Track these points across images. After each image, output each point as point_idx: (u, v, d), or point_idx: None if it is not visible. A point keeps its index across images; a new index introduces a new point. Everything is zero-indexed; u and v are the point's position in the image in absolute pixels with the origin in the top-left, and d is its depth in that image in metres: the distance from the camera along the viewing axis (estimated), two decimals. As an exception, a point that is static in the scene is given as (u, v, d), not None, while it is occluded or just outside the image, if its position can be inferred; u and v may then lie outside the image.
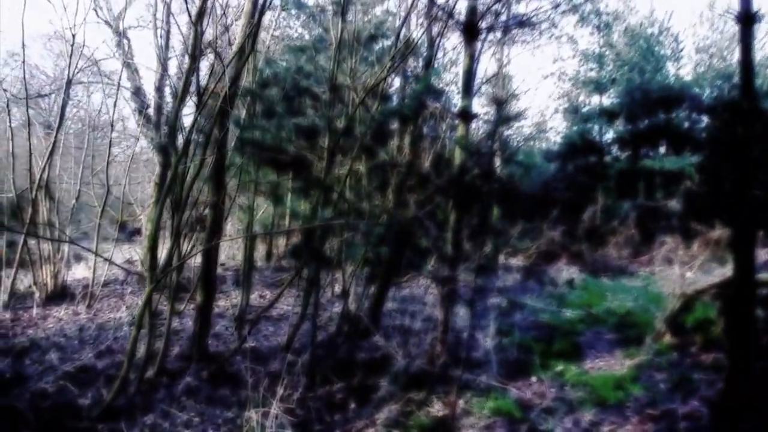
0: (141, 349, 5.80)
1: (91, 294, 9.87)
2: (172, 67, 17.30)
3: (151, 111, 15.51)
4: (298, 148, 7.09)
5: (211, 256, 6.62)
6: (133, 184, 20.34)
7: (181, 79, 5.45)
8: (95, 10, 17.41)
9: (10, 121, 10.03)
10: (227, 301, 10.55)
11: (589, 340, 8.73)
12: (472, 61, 7.81)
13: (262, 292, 11.68)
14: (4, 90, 10.19)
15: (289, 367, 6.72)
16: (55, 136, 10.03)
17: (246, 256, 8.20)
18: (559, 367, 7.03)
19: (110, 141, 10.45)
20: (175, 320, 8.65)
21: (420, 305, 10.61)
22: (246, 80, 7.62)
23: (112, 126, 10.57)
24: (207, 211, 6.94)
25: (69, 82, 9.97)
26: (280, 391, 5.35)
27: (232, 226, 15.77)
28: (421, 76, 8.26)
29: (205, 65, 10.75)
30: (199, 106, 5.25)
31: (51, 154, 9.93)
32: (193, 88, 5.80)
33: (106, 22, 17.84)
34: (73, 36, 9.80)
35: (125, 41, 19.25)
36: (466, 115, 7.52)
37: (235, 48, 5.86)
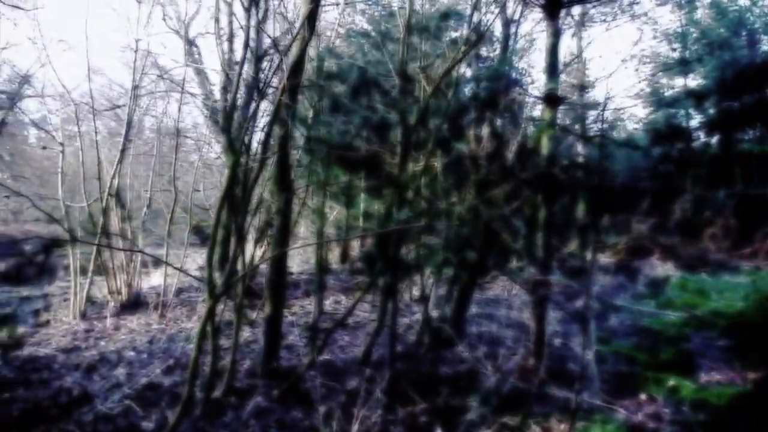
0: (209, 365, 5.41)
1: (163, 303, 9.68)
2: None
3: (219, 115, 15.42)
4: (368, 145, 6.52)
5: (279, 263, 6.15)
6: (208, 190, 20.50)
7: (239, 77, 4.99)
8: (164, 20, 17.60)
9: (79, 130, 9.97)
10: (300, 308, 10.16)
11: (699, 348, 7.73)
12: (557, 38, 7.04)
13: (337, 297, 11.22)
14: (84, 103, 10.16)
15: (367, 383, 6.17)
16: (123, 144, 9.91)
17: (319, 262, 7.70)
18: (671, 382, 6.13)
19: (176, 146, 10.20)
20: (246, 330, 8.30)
21: (503, 309, 9.89)
22: (309, 75, 7.14)
23: (177, 132, 10.36)
24: (275, 214, 6.50)
25: (135, 88, 9.80)
26: (357, 413, 4.80)
27: (305, 229, 15.43)
28: (498, 59, 7.52)
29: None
30: (258, 98, 4.76)
31: (120, 161, 9.82)
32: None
33: (175, 31, 17.98)
34: (137, 41, 9.66)
35: (194, 49, 19.39)
36: (553, 99, 6.75)
37: (295, 33, 5.34)
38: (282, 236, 6.13)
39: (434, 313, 7.92)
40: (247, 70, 7.12)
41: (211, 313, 4.38)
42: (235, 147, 4.64)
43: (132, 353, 7.29)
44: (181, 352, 7.30)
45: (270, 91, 6.58)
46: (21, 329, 10.04)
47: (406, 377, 6.20)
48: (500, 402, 5.24)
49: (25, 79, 26.57)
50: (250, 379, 6.15)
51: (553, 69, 6.92)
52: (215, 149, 23.21)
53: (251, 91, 5.09)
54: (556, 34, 7.04)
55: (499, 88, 6.89)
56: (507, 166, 6.98)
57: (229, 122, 4.74)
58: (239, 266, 5.75)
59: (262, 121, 8.95)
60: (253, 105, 4.86)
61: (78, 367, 6.71)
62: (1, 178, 32.06)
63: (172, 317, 9.56)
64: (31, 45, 10.06)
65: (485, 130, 7.75)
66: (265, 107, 9.62)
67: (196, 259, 14.62)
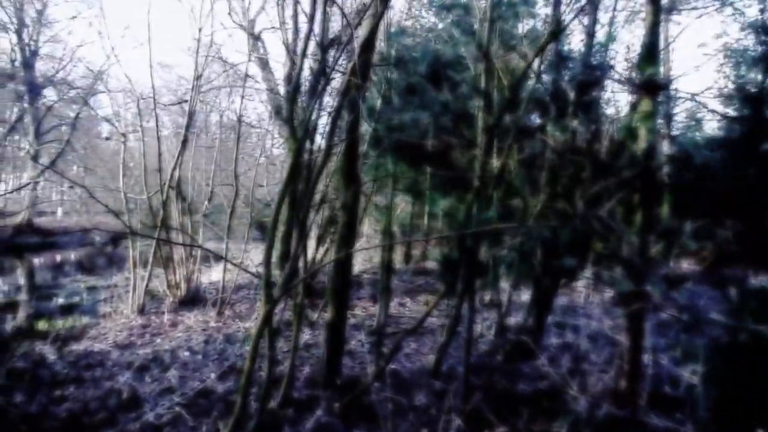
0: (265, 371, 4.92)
1: (222, 300, 9.34)
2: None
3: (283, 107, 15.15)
4: (442, 136, 5.89)
5: (344, 264, 5.60)
6: (271, 185, 20.36)
7: (304, 52, 4.46)
8: (229, 15, 17.45)
9: (141, 121, 9.76)
10: (363, 310, 9.64)
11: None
12: (657, 16, 6.19)
13: (401, 299, 10.64)
14: (150, 97, 9.98)
15: (437, 397, 5.56)
16: (185, 136, 9.63)
17: (384, 262, 7.12)
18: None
19: (237, 139, 9.86)
20: (306, 332, 7.83)
21: (581, 318, 9.08)
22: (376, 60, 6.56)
23: (239, 121, 10.00)
24: (339, 210, 5.97)
25: (198, 78, 9.49)
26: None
27: (368, 227, 14.92)
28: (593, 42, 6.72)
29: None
30: (324, 80, 4.21)
31: (181, 153, 9.54)
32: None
33: (240, 26, 17.84)
34: (199, 29, 9.34)
35: (259, 43, 19.24)
36: (653, 87, 5.92)
37: (366, 6, 4.75)
38: (347, 234, 5.58)
39: (509, 320, 7.23)
40: (313, 49, 6.60)
41: (267, 319, 3.86)
42: (298, 133, 4.12)
43: (186, 353, 6.92)
44: (237, 354, 6.87)
45: (336, 77, 6.05)
46: (85, 320, 9.97)
47: (481, 393, 5.55)
48: (593, 430, 4.51)
49: (98, 76, 27.27)
50: (310, 389, 5.63)
51: (652, 52, 6.09)
52: (279, 144, 23.14)
53: (317, 76, 4.54)
54: (656, 12, 6.21)
55: (594, 73, 6.10)
56: (600, 161, 6.22)
57: (292, 105, 4.22)
58: (300, 266, 5.23)
59: (327, 109, 8.50)
60: (320, 87, 4.29)
61: (131, 366, 6.38)
62: (75, 171, 33.15)
63: (230, 315, 9.21)
64: (103, 43, 9.95)
65: (573, 121, 6.99)
66: (332, 92, 9.20)
67: (257, 255, 14.34)
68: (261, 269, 12.86)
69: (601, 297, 10.62)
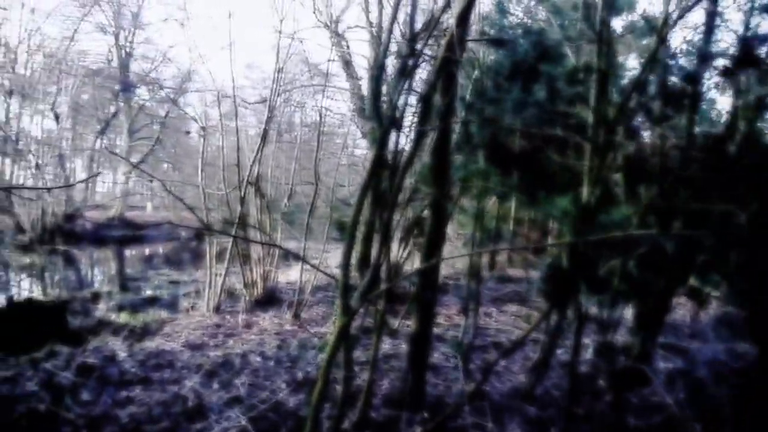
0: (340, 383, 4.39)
1: (298, 302, 8.93)
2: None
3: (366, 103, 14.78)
4: (547, 126, 5.16)
5: (431, 273, 4.98)
6: (353, 186, 20.07)
7: (392, 25, 3.88)
8: (314, 13, 17.27)
9: (221, 116, 9.53)
10: (447, 319, 8.99)
11: None
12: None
13: (487, 308, 9.90)
14: (234, 96, 9.79)
15: (532, 426, 4.85)
16: (264, 131, 9.32)
17: (472, 270, 6.44)
18: None
19: (319, 137, 9.47)
20: (385, 340, 7.26)
21: (691, 339, 8.07)
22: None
23: (321, 118, 9.61)
24: (426, 211, 5.38)
25: (279, 71, 9.16)
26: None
27: (451, 229, 14.20)
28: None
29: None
30: (415, 58, 3.61)
31: (260, 148, 9.23)
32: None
33: (325, 25, 17.64)
34: (281, 20, 9.01)
35: (343, 42, 19.00)
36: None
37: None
38: (434, 238, 4.96)
39: (612, 338, 6.38)
40: (402, 28, 6.03)
41: (344, 332, 3.30)
42: (383, 117, 3.54)
43: (258, 359, 6.50)
44: (311, 363, 6.39)
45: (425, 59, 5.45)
46: (164, 314, 9.86)
47: (585, 425, 4.80)
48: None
49: (186, 76, 28.01)
50: (390, 408, 5.04)
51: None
52: (361, 145, 22.87)
53: (405, 62, 3.96)
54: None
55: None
56: (729, 157, 5.32)
57: (378, 87, 3.64)
58: (382, 272, 4.65)
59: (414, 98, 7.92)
60: (410, 65, 3.70)
61: (200, 369, 6.02)
62: (165, 168, 34.29)
63: (306, 318, 8.80)
64: (192, 44, 9.84)
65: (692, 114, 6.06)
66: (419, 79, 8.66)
67: (336, 257, 13.94)
68: (338, 272, 12.41)
69: (711, 314, 9.48)
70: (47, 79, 27.00)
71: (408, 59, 4.10)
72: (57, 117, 26.37)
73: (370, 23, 15.59)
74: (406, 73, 3.66)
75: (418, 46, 4.28)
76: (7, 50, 26.88)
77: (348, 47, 18.87)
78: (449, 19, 4.50)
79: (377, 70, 3.68)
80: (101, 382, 5.57)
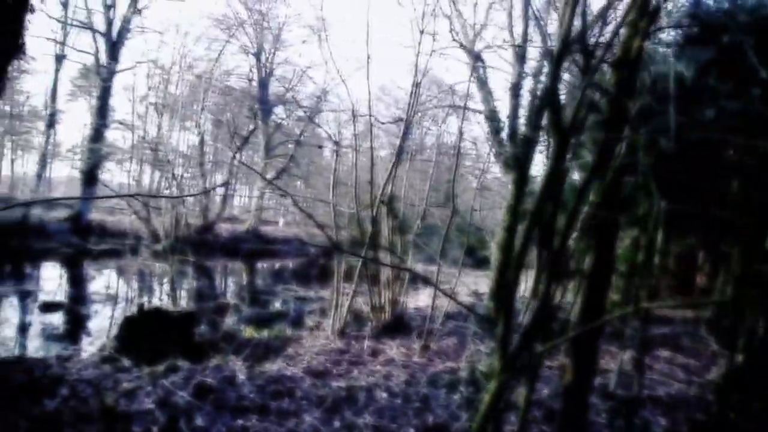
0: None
1: (428, 331, 8.24)
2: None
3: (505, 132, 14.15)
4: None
5: (593, 314, 4.10)
6: (485, 210, 19.30)
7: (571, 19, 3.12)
8: (451, 33, 16.77)
9: (355, 133, 9.18)
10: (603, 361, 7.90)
11: None
12: None
13: (633, 352, 8.61)
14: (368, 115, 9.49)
15: None
16: (399, 147, 8.83)
17: (638, 309, 5.40)
18: None
19: (457, 157, 8.83)
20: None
21: None
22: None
23: (460, 135, 8.97)
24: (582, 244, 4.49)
25: (416, 85, 8.65)
26: None
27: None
28: None
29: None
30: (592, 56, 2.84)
31: (395, 165, 8.74)
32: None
33: (462, 45, 17.10)
34: (421, 32, 8.51)
35: (479, 63, 18.34)
36: None
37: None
38: (602, 274, 4.09)
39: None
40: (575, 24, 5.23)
41: (499, 395, 2.55)
42: (563, 125, 2.80)
43: (384, 395, 5.86)
44: (442, 405, 5.66)
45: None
46: (289, 332, 9.62)
47: None
48: None
49: (322, 95, 28.67)
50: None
51: None
52: (495, 170, 21.99)
53: (588, 54, 3.17)
54: None
55: None
56: None
57: (554, 86, 2.90)
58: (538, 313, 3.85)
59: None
60: (593, 64, 2.92)
61: (321, 402, 5.48)
62: (299, 185, 35.30)
63: (436, 350, 8.07)
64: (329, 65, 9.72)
65: None
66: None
67: (469, 284, 13.15)
68: (473, 299, 11.53)
69: None
70: (193, 97, 28.83)
71: (589, 61, 3.33)
72: (201, 133, 27.98)
73: (513, 40, 14.87)
74: (587, 76, 2.91)
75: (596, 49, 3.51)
76: (162, 71, 29.08)
77: (485, 67, 18.23)
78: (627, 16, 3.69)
79: (552, 74, 2.95)
80: (217, 407, 5.20)
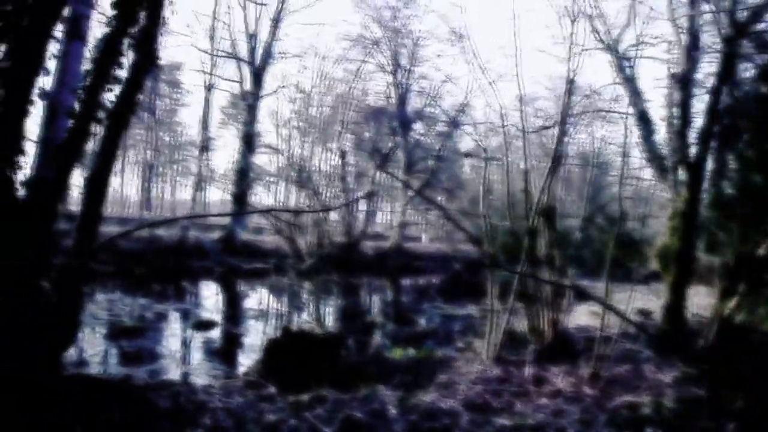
0: None
1: (598, 357, 7.18)
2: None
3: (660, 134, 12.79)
4: None
5: None
6: (635, 220, 17.76)
7: None
8: (594, 34, 15.64)
9: (506, 143, 8.48)
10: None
11: None
12: None
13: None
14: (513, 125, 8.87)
15: None
16: (555, 152, 7.99)
17: None
18: None
19: (623, 166, 7.90)
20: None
21: None
22: None
23: (626, 138, 8.08)
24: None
25: (571, 82, 7.80)
26: None
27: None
28: None
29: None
30: None
31: (551, 172, 7.91)
32: None
33: (607, 46, 15.91)
34: (571, 36, 7.68)
35: (625, 63, 16.99)
36: None
37: None
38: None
39: None
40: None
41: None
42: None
43: (556, 437, 5.04)
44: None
45: None
46: (438, 353, 9.12)
47: None
48: None
49: (461, 109, 28.18)
50: None
51: None
52: (642, 176, 20.22)
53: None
54: None
55: None
56: None
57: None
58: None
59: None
60: None
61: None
62: (440, 200, 35.03)
63: (609, 378, 6.99)
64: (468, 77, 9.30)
65: None
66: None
67: (636, 300, 11.76)
68: (641, 317, 10.25)
69: None
70: (334, 117, 29.60)
71: None
72: (343, 153, 28.58)
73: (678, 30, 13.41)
74: None
75: None
76: (304, 95, 30.24)
77: (632, 68, 16.79)
78: None
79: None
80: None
